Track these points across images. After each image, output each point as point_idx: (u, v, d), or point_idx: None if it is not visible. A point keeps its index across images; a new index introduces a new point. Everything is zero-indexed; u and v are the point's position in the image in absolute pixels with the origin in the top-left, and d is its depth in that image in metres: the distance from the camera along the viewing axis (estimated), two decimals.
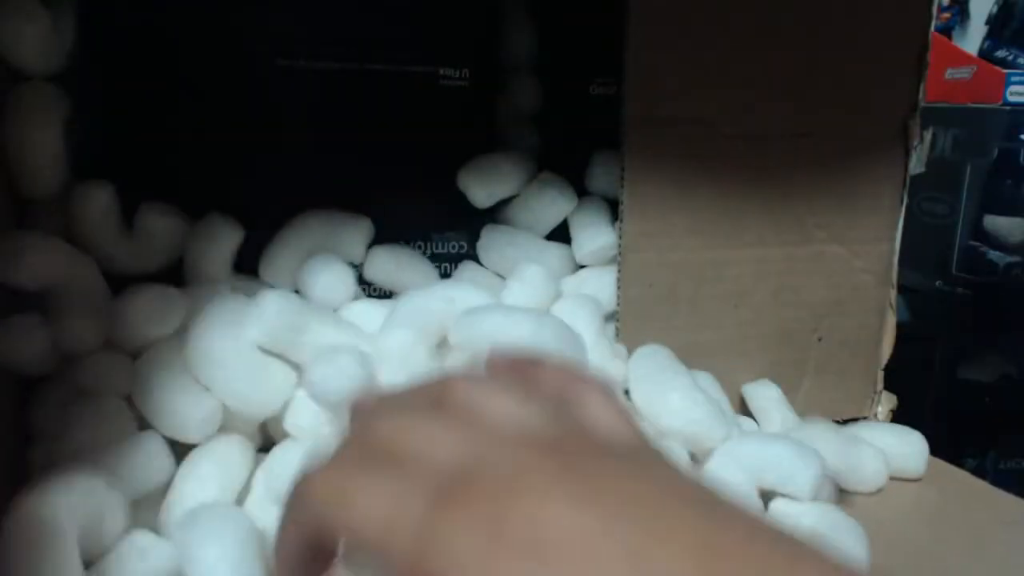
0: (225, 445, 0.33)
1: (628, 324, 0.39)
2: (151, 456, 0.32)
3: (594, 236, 0.42)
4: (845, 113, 0.39)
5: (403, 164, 0.43)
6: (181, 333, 0.35)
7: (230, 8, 0.39)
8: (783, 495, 0.32)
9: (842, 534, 0.30)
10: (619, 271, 0.38)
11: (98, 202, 0.37)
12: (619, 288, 0.38)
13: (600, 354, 0.38)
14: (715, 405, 0.36)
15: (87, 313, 0.35)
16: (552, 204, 0.44)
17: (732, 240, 0.39)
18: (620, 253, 0.38)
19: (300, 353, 0.34)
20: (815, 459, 0.33)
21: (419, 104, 0.43)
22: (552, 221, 0.44)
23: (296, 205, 0.41)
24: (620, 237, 0.38)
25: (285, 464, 0.31)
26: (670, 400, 0.35)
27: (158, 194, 0.39)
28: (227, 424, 0.33)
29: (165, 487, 0.32)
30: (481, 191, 0.43)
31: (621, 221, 0.38)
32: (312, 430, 0.33)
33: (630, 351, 0.38)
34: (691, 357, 0.38)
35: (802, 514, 0.32)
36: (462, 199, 0.44)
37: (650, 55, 0.36)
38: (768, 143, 0.38)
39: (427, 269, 0.43)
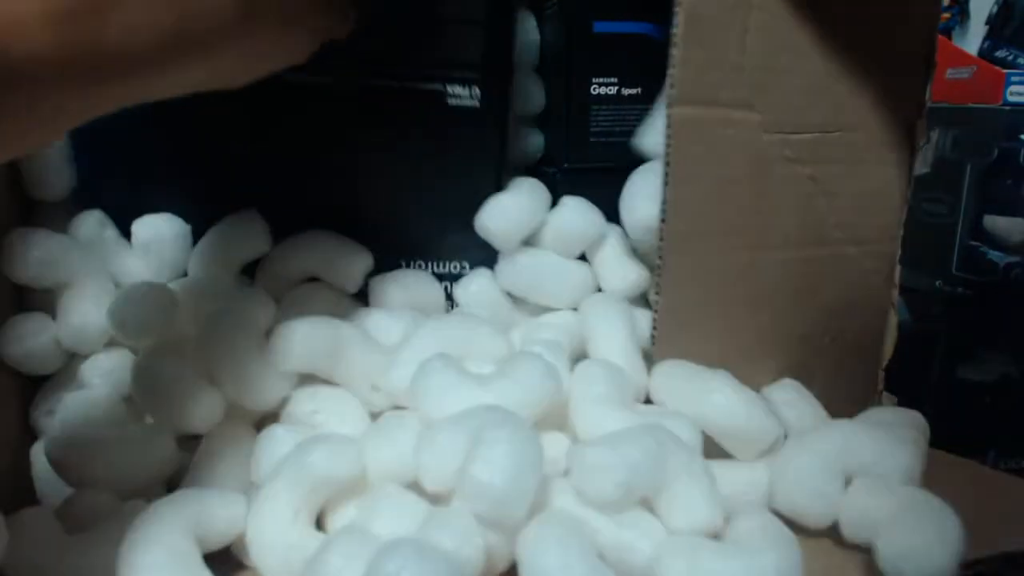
0: (235, 431, 0.34)
1: (665, 331, 0.38)
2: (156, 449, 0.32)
3: (624, 274, 0.42)
4: (858, 113, 0.39)
5: (407, 184, 0.42)
6: (181, 329, 0.35)
7: None
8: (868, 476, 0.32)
9: (929, 521, 0.29)
10: (659, 275, 0.37)
11: (88, 229, 0.37)
12: (658, 293, 0.37)
13: (629, 360, 0.37)
14: (763, 402, 0.35)
15: (93, 313, 0.35)
16: (575, 232, 0.43)
17: (762, 241, 0.38)
18: (661, 256, 0.37)
19: (332, 374, 0.35)
20: (904, 444, 0.32)
21: (426, 123, 0.41)
22: (575, 249, 0.43)
23: (296, 222, 0.41)
24: (661, 239, 0.37)
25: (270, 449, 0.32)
26: (713, 400, 0.34)
27: (160, 207, 0.38)
28: (229, 414, 0.34)
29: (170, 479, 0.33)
30: (504, 236, 0.41)
31: (663, 221, 0.37)
32: (305, 419, 0.34)
33: (660, 360, 0.38)
34: (717, 363, 0.37)
35: (886, 494, 0.31)
36: (464, 221, 0.42)
37: (697, 53, 0.35)
38: (799, 141, 0.38)
39: (434, 290, 0.43)
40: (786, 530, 0.29)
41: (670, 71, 0.35)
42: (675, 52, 0.35)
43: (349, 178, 0.41)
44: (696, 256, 0.37)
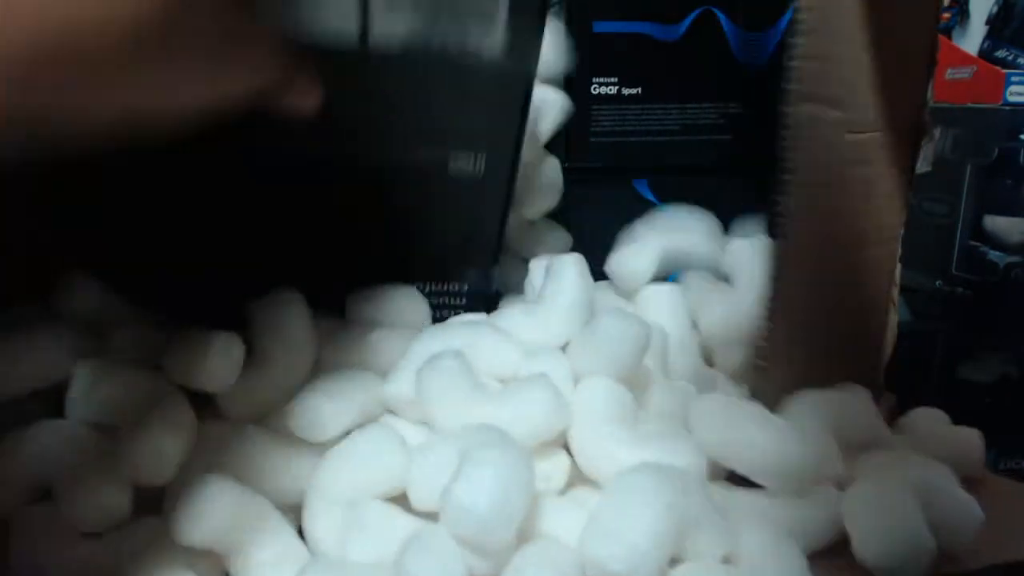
0: None
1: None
2: None
3: None
4: (863, 112, 0.39)
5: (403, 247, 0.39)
6: None
7: None
8: None
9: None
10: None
11: None
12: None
13: (686, 361, 0.37)
14: (799, 435, 0.33)
15: None
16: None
17: None
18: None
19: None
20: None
21: (426, 191, 0.37)
22: None
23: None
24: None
25: None
26: (750, 437, 0.32)
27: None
28: None
29: None
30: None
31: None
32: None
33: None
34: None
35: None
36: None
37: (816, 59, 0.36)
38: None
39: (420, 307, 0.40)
40: (795, 549, 0.29)
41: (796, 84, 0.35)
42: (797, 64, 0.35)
43: (344, 238, 0.38)
44: None
